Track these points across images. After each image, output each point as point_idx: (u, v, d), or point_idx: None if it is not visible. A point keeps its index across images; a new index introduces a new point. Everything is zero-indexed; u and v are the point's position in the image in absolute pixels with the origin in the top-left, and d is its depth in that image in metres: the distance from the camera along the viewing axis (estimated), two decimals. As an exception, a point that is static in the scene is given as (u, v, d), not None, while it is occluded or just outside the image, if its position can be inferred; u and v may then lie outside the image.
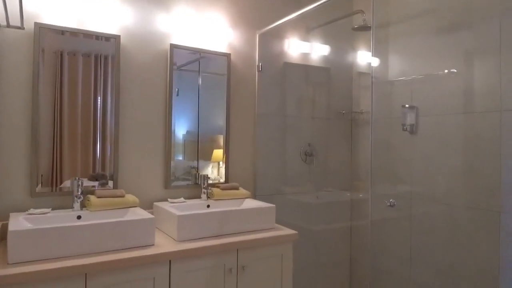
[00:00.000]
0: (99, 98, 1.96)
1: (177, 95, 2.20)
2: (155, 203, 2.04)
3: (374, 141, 2.76)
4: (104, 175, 1.97)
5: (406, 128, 2.52)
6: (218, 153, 2.36)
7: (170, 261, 1.61)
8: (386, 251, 2.62)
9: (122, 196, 1.84)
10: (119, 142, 2.01)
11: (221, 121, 2.37)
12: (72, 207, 1.79)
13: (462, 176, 2.20)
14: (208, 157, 2.34)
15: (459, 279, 2.19)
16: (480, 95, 2.14)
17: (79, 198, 1.77)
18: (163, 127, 2.16)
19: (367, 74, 2.80)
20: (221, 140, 2.37)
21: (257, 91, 2.50)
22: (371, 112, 2.22)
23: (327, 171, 2.82)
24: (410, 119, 2.51)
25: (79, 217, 1.74)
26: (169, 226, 1.80)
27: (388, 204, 1.93)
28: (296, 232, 1.99)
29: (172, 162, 2.17)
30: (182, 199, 2.12)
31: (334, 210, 2.86)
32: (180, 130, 2.23)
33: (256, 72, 2.51)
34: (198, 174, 2.25)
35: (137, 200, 1.87)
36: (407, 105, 2.53)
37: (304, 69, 2.78)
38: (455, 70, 2.29)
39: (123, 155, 2.03)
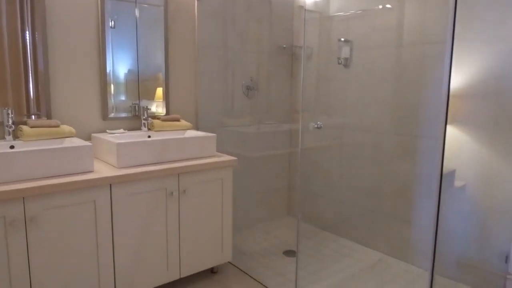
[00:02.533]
0: (27, 33, 1.83)
1: (113, 27, 2.11)
2: (93, 134, 2.03)
3: (311, 75, 2.89)
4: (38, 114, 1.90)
5: (341, 62, 2.65)
6: (161, 91, 2.35)
7: (110, 185, 1.66)
8: (320, 176, 2.87)
9: (57, 126, 1.82)
10: (51, 77, 1.93)
11: (161, 56, 2.33)
12: (3, 138, 1.75)
13: (389, 106, 2.41)
14: (151, 96, 2.32)
15: (383, 197, 2.48)
16: (408, 30, 2.28)
17: (10, 128, 1.72)
18: (97, 59, 2.09)
19: (308, 9, 2.84)
20: (163, 76, 2.35)
21: (197, 23, 2.46)
22: (303, 46, 2.28)
23: (269, 105, 2.93)
24: (344, 53, 2.63)
25: (12, 147, 1.71)
26: (109, 155, 1.83)
27: (316, 126, 2.09)
28: (236, 158, 2.11)
29: (112, 100, 2.14)
30: (121, 130, 2.13)
31: (274, 140, 3.01)
32: (122, 68, 2.17)
33: (195, 2, 2.44)
34: (138, 105, 2.24)
35: (73, 130, 1.85)
36: (342, 39, 2.63)
37: (245, 1, 2.74)
38: (390, 6, 2.40)
39: (56, 89, 1.96)
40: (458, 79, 2.02)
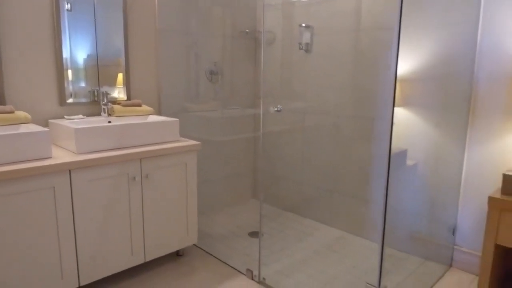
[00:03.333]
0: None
1: (70, 10, 2.04)
2: (50, 120, 1.98)
3: (274, 60, 2.93)
4: (-13, 92, 1.83)
5: (302, 47, 2.71)
6: (122, 76, 2.31)
7: (69, 171, 1.64)
8: (283, 159, 2.95)
9: (12, 112, 1.76)
10: (3, 62, 1.85)
11: (120, 41, 2.28)
12: (-48, 125, 1.68)
13: (347, 90, 2.50)
14: (112, 82, 2.28)
15: (342, 177, 2.59)
16: (365, 15, 2.36)
17: (-41, 115, 1.66)
18: (53, 43, 2.02)
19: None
20: (123, 61, 2.31)
21: (157, 6, 2.42)
22: (263, 31, 2.31)
23: (233, 90, 2.95)
24: (305, 38, 2.69)
25: (-38, 134, 1.64)
26: (67, 140, 1.80)
27: (276, 109, 2.15)
28: (199, 143, 2.13)
29: (70, 85, 2.08)
30: (80, 115, 2.09)
31: (238, 125, 3.05)
32: (80, 53, 2.11)
33: (155, -15, 2.40)
34: (98, 91, 2.20)
35: (29, 116, 1.80)
36: (303, 25, 2.68)
37: (206, -15, 2.73)
38: (349, -8, 2.47)
39: (9, 74, 1.89)
40: (409, 63, 2.12)
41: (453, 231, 2.16)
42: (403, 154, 2.14)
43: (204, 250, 2.35)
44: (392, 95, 1.48)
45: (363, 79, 2.38)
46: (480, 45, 1.96)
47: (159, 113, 2.50)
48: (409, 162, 2.16)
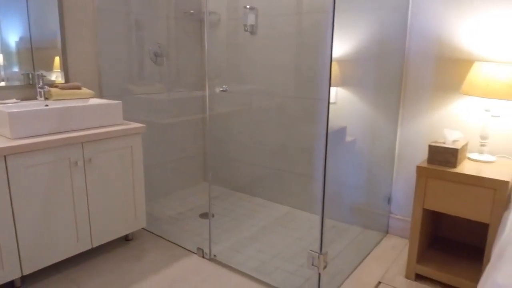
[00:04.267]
0: None
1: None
2: (-21, 105, 1.86)
3: (220, 42, 2.93)
4: None
5: (247, 29, 2.73)
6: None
7: (5, 157, 1.56)
8: (232, 140, 2.99)
9: None
10: None
11: (55, 21, 2.15)
12: None
13: (292, 71, 2.57)
14: (50, 66, 2.15)
15: (289, 156, 2.69)
16: (305, -3, 2.43)
17: None
18: (-23, 19, 1.87)
19: (213, -27, 2.83)
20: (60, 43, 2.19)
21: (94, -17, 2.31)
22: (205, 11, 2.30)
23: (179, 72, 2.92)
24: (250, 20, 2.71)
25: None
26: (1, 126, 1.70)
27: (221, 89, 2.18)
28: (144, 125, 2.11)
29: (2, 70, 1.95)
30: (14, 100, 1.98)
31: (186, 107, 3.03)
32: (11, 35, 1.97)
33: (91, -39, 2.29)
34: (33, 74, 2.08)
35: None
36: (248, 6, 2.70)
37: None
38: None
39: None
40: (347, 45, 2.23)
41: (389, 201, 2.35)
42: (342, 131, 2.27)
43: (154, 234, 2.35)
44: (328, 75, 1.57)
45: (306, 61, 2.47)
46: (410, 27, 2.11)
47: (100, 96, 2.42)
48: (348, 138, 2.29)
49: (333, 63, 2.29)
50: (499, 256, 1.20)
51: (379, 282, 1.87)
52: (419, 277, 1.89)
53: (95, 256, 2.07)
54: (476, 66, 1.80)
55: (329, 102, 1.58)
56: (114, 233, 2.06)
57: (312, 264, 1.66)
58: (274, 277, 1.90)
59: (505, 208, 1.61)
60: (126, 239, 2.26)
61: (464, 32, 1.95)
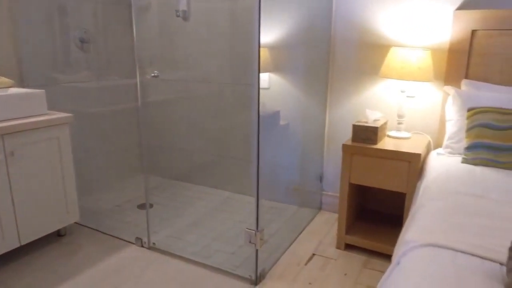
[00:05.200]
0: None
1: None
2: None
3: (151, 28, 2.85)
4: None
5: (179, 14, 2.69)
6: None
7: None
8: (170, 129, 2.96)
9: None
10: None
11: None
12: None
13: (227, 58, 2.60)
14: None
15: (228, 142, 2.73)
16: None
17: None
18: None
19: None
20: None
21: (5, -38, 2.12)
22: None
23: (109, 59, 2.80)
24: (182, 5, 2.67)
25: None
26: None
27: (153, 75, 2.15)
28: (71, 115, 2.01)
29: None
30: None
31: (117, 95, 2.93)
32: None
33: None
34: None
35: None
36: (178, -9, 2.66)
37: None
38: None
39: None
40: (277, 31, 2.31)
41: (321, 179, 2.50)
42: (276, 115, 2.36)
43: (89, 228, 2.27)
44: (257, 62, 1.62)
45: (239, 47, 2.51)
46: (335, 15, 2.23)
47: (22, 85, 2.25)
48: (282, 122, 2.39)
49: (264, 49, 2.35)
50: (411, 219, 1.36)
51: (313, 254, 2.00)
52: (348, 247, 2.05)
53: (26, 254, 1.96)
54: (392, 51, 1.97)
55: (259, 88, 1.64)
56: (44, 229, 1.96)
57: (250, 242, 1.73)
58: (215, 259, 1.94)
59: (418, 178, 1.80)
60: (58, 234, 2.16)
61: (383, 19, 2.12)
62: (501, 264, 0.91)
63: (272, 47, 2.36)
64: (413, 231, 1.12)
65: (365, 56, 2.21)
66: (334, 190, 2.47)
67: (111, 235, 2.18)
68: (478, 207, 1.21)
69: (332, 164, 2.44)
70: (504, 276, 0.87)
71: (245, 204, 2.64)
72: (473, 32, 1.90)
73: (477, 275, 0.87)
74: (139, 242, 2.07)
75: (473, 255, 0.95)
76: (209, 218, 2.42)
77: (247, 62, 2.49)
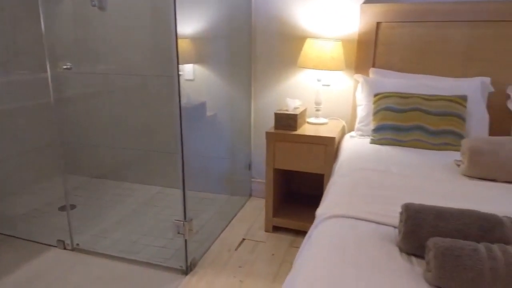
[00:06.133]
0: None
1: None
2: None
3: (63, 17, 2.68)
4: None
5: (95, 4, 2.56)
6: None
7: None
8: (92, 125, 2.82)
9: None
10: None
11: None
12: None
13: (148, 49, 2.53)
14: None
15: (154, 135, 2.67)
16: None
17: None
18: None
19: None
20: None
21: None
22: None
23: (17, 52, 2.57)
24: (97, -6, 2.54)
25: None
26: None
27: (65, 67, 2.04)
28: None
29: None
30: None
31: (27, 91, 2.72)
32: None
33: None
34: None
35: None
36: (92, -20, 2.52)
37: None
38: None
39: None
40: (199, 23, 2.31)
41: (249, 167, 2.57)
42: (202, 106, 2.37)
43: (5, 235, 2.10)
44: (175, 53, 1.63)
45: (160, 38, 2.46)
46: (255, 7, 2.30)
47: None
48: (209, 113, 2.41)
49: (187, 40, 2.35)
50: (324, 196, 1.47)
51: (243, 239, 2.07)
52: (276, 229, 2.16)
53: None
54: (308, 42, 2.08)
55: (178, 79, 1.65)
56: None
57: (178, 233, 1.74)
58: (144, 254, 1.92)
59: (334, 159, 1.95)
60: (-34, 245, 1.97)
61: (299, 12, 2.23)
62: (394, 227, 1.04)
63: (194, 38, 2.36)
64: (323, 205, 1.23)
65: (285, 47, 2.31)
66: (262, 177, 2.56)
67: (30, 240, 2.04)
68: (380, 180, 1.35)
69: (259, 151, 2.52)
70: (396, 236, 0.99)
71: (177, 197, 2.61)
72: (378, 24, 2.09)
73: (373, 238, 0.99)
74: (61, 244, 1.97)
75: (371, 221, 1.07)
76: (138, 214, 2.37)
77: (168, 52, 2.46)
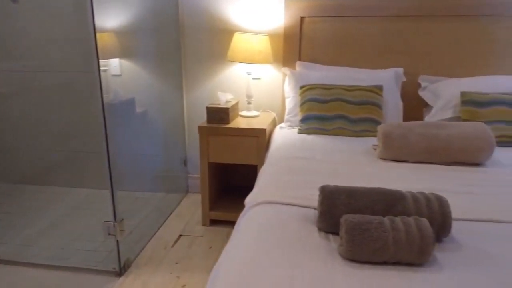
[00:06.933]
0: None
1: None
2: None
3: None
4: None
5: (5, -5, 2.35)
6: None
7: None
8: (11, 128, 2.60)
9: None
10: None
11: None
12: None
13: (70, 43, 2.38)
14: None
15: (82, 135, 2.53)
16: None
17: None
18: None
19: None
20: None
21: None
22: None
23: None
24: (7, -16, 2.34)
25: None
26: None
27: None
28: None
29: None
30: None
31: None
32: None
33: None
34: None
35: None
36: (0, -32, 2.31)
37: None
38: None
39: None
40: (124, 16, 2.23)
41: (185, 162, 2.55)
42: (131, 102, 2.30)
43: None
44: (94, 48, 1.56)
45: (80, 32, 2.33)
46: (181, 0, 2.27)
47: None
48: (139, 109, 2.34)
49: (111, 34, 2.25)
50: (255, 186, 1.51)
51: (180, 235, 2.05)
52: (213, 222, 2.17)
53: None
54: (236, 36, 2.11)
55: (99, 74, 1.58)
56: None
57: (109, 234, 1.68)
58: (75, 259, 1.83)
59: (266, 150, 2.01)
60: None
61: (227, 5, 2.24)
62: (315, 208, 1.11)
63: (119, 32, 2.27)
64: (251, 194, 1.27)
65: (214, 41, 2.31)
66: (198, 172, 2.55)
67: None
68: (304, 167, 1.43)
69: (194, 146, 2.51)
70: (316, 217, 1.06)
71: (107, 199, 2.51)
72: (302, 19, 2.18)
73: (296, 220, 1.05)
74: (-22, 258, 1.80)
75: (294, 205, 1.13)
76: (67, 219, 2.24)
77: (86, 48, 2.34)
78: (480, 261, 0.89)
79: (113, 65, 2.31)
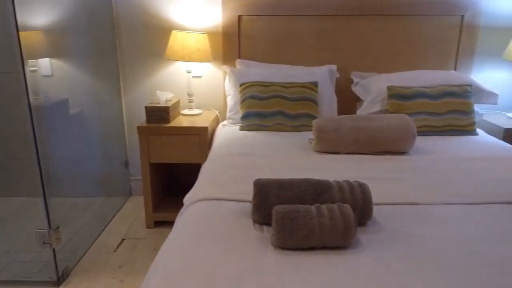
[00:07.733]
0: None
1: None
2: None
3: None
4: None
5: None
6: None
7: None
8: None
9: None
10: None
11: None
12: None
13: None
14: None
15: (4, 139, 2.35)
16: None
17: None
18: None
19: None
20: None
21: None
22: None
23: None
24: None
25: None
26: None
27: None
28: None
29: None
30: None
31: None
32: None
33: None
34: None
35: None
36: None
37: None
38: None
39: None
40: (52, 14, 2.11)
41: (126, 165, 2.48)
42: (64, 104, 2.19)
43: None
44: (18, 48, 1.47)
45: (3, 31, 2.17)
46: (115, -2, 2.20)
47: None
48: (73, 110, 2.23)
49: (38, 32, 2.12)
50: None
51: (123, 239, 2.00)
52: (158, 224, 2.14)
53: None
54: (173, 34, 2.09)
55: (25, 75, 1.50)
56: None
57: (44, 243, 1.60)
58: (8, 272, 1.71)
59: (209, 148, 2.02)
60: None
61: (163, 2, 2.21)
62: (250, 202, 1.14)
63: (48, 30, 2.14)
64: (191, 191, 1.27)
65: (152, 39, 2.27)
66: (140, 174, 2.49)
67: None
68: (243, 163, 1.46)
69: (135, 148, 2.45)
70: (252, 210, 1.10)
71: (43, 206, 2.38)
72: (240, 17, 2.21)
73: (232, 215, 1.08)
74: None
75: (232, 200, 1.15)
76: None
77: (14, 46, 2.19)
78: (399, 241, 0.97)
79: (43, 65, 2.18)
